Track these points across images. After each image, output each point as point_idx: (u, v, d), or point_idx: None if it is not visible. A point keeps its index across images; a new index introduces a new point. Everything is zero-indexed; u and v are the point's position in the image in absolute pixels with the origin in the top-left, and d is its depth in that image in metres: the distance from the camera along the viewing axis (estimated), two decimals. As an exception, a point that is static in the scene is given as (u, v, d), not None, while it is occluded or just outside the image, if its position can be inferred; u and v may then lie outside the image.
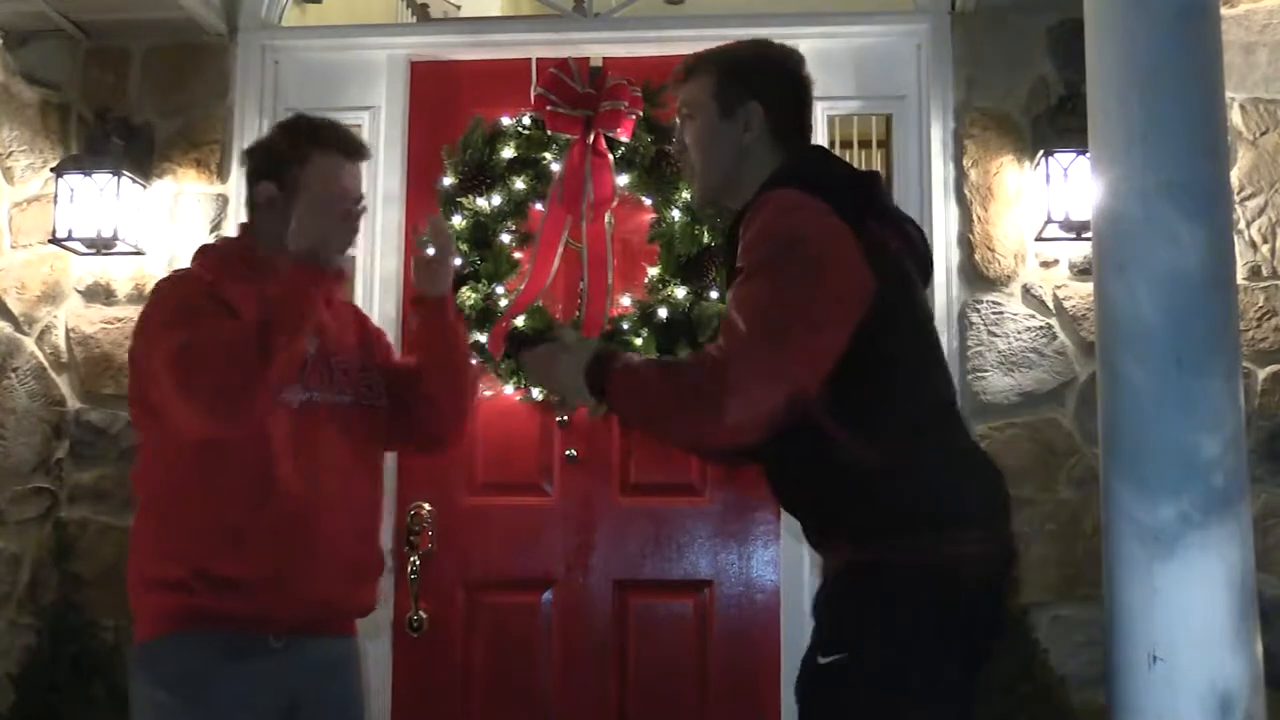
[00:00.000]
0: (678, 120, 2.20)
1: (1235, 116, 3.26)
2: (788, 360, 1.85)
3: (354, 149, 2.30)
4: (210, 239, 3.40)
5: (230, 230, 3.29)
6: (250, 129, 3.44)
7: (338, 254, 2.23)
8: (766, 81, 2.12)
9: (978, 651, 2.01)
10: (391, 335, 3.41)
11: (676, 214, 3.33)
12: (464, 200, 3.40)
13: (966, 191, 3.34)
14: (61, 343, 3.49)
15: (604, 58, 3.52)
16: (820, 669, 1.92)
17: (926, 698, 1.90)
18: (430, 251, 2.40)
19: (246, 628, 2.11)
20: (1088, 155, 2.55)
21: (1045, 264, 3.30)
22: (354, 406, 2.30)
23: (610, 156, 3.38)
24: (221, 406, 2.06)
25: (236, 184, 3.43)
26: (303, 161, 2.23)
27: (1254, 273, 3.23)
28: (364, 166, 2.33)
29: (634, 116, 3.37)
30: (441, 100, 3.57)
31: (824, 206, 1.94)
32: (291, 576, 2.14)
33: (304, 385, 2.22)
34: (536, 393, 3.32)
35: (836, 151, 3.55)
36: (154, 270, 3.45)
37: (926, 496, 1.94)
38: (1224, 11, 3.02)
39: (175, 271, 2.28)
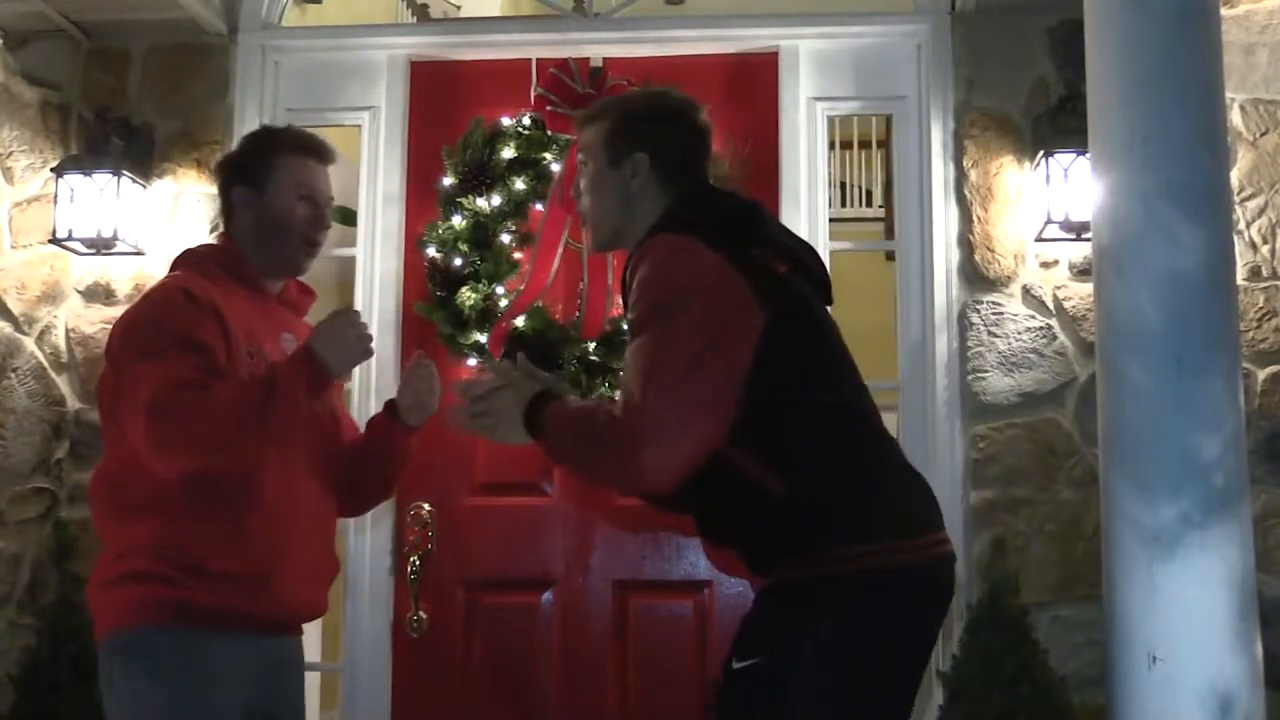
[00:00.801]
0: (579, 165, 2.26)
1: (1235, 117, 3.26)
2: (686, 415, 1.89)
3: (320, 150, 2.41)
4: (212, 239, 3.40)
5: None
6: (250, 129, 3.43)
7: (309, 248, 2.37)
8: (654, 132, 2.18)
9: (909, 663, 1.99)
10: (391, 337, 3.45)
11: (676, 214, 3.33)
12: (464, 200, 3.40)
13: (966, 192, 3.34)
14: (61, 343, 3.49)
15: (604, 58, 3.52)
16: (734, 674, 1.94)
17: (841, 706, 1.90)
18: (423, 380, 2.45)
19: (232, 624, 2.16)
20: (1088, 156, 2.56)
21: (1045, 264, 3.30)
22: (326, 414, 2.39)
23: (610, 157, 3.37)
24: (198, 460, 2.14)
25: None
26: (272, 163, 2.35)
27: (1254, 273, 3.23)
28: (331, 170, 2.44)
29: (634, 117, 3.37)
30: (441, 100, 3.57)
31: (703, 247, 1.98)
32: (276, 576, 2.21)
33: None
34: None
35: (836, 151, 3.55)
36: (154, 270, 3.45)
37: (836, 515, 1.94)
38: (1224, 12, 3.02)
39: (178, 280, 2.30)
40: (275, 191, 2.34)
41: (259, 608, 2.20)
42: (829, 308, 2.18)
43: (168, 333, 2.16)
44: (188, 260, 2.38)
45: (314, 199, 2.37)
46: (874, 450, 2.05)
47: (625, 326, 2.05)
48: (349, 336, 2.21)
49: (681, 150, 2.19)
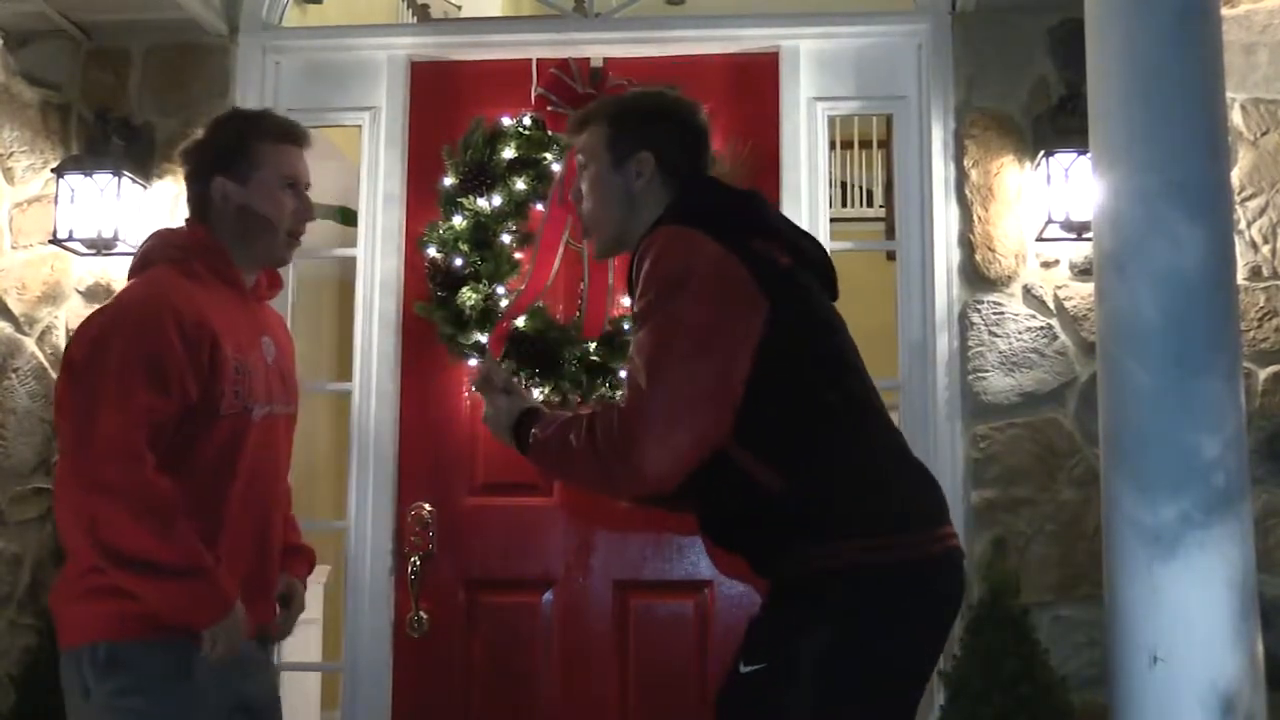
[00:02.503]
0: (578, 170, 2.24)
1: (1235, 116, 3.26)
2: (691, 403, 1.89)
3: (299, 135, 2.35)
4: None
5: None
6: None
7: (293, 240, 2.33)
8: (657, 130, 2.18)
9: (913, 662, 1.98)
10: (390, 336, 3.45)
11: (677, 214, 3.33)
12: (464, 200, 3.40)
13: (967, 192, 3.34)
14: (62, 343, 3.48)
15: (604, 58, 3.52)
16: (741, 678, 1.94)
17: (843, 712, 1.89)
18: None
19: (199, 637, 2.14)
20: (1088, 155, 2.56)
21: (1046, 264, 3.30)
22: (291, 416, 2.38)
23: (611, 157, 3.37)
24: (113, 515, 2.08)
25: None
26: (256, 153, 2.28)
27: (1254, 273, 3.23)
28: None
29: (634, 117, 3.37)
30: (441, 100, 3.57)
31: (702, 235, 1.97)
32: (247, 588, 2.19)
33: (267, 398, 2.26)
34: (536, 393, 3.32)
35: (837, 151, 3.55)
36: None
37: (831, 512, 1.93)
38: (1224, 12, 3.02)
39: (162, 290, 2.18)
40: (260, 183, 2.27)
41: None
42: (836, 301, 2.17)
43: (142, 358, 2.08)
44: (169, 254, 2.27)
45: (298, 187, 2.31)
46: (874, 446, 2.03)
47: (630, 322, 2.04)
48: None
49: (683, 148, 2.19)
